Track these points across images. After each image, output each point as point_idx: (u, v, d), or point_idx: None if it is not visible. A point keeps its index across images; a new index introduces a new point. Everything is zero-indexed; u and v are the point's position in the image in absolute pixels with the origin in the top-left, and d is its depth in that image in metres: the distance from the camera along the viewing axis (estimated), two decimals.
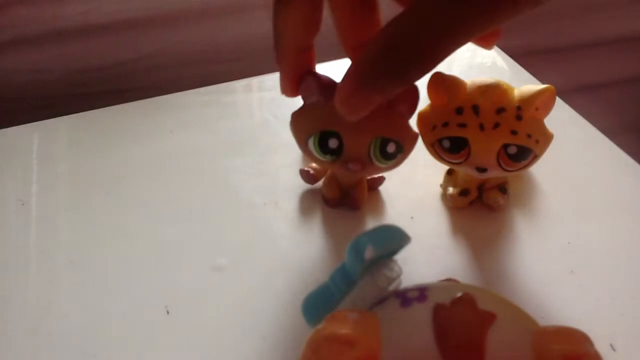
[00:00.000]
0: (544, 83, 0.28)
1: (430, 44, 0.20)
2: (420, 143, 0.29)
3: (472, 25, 0.19)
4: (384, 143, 0.26)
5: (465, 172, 0.29)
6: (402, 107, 0.27)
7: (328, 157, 0.27)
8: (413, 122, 0.28)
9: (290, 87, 0.27)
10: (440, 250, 0.29)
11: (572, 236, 0.29)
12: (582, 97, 0.42)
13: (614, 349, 0.24)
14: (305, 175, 0.32)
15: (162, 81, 0.48)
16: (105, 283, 0.27)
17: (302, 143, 0.27)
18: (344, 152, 0.26)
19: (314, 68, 0.27)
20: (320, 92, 0.26)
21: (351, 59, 0.26)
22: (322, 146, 0.27)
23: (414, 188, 0.32)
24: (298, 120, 0.28)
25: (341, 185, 0.31)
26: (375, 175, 0.31)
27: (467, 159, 0.27)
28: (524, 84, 0.28)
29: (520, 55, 0.44)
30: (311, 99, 0.27)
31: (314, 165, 0.32)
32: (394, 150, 0.27)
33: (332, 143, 0.26)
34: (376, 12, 0.25)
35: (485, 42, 0.26)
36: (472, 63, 0.43)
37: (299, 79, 0.26)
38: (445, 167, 0.31)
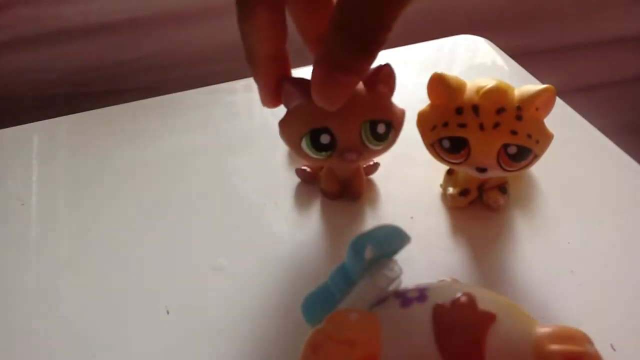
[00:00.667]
0: (544, 83, 0.28)
1: (380, 9, 0.20)
2: (419, 143, 0.29)
3: None
4: (373, 125, 0.27)
5: (465, 172, 0.29)
6: (381, 87, 0.27)
7: (324, 154, 0.27)
8: (411, 120, 0.28)
9: (269, 98, 0.27)
10: (440, 250, 0.29)
11: (572, 236, 0.29)
12: (582, 97, 0.42)
13: (614, 349, 0.24)
14: (301, 173, 0.32)
15: (162, 81, 0.48)
16: (105, 283, 0.27)
17: (295, 147, 0.28)
18: (337, 144, 0.27)
19: (290, 75, 0.27)
20: (300, 94, 0.26)
21: (312, 52, 0.26)
22: (315, 144, 0.27)
23: (414, 188, 0.32)
24: (286, 127, 0.28)
25: (340, 177, 0.31)
26: (370, 162, 0.32)
27: (467, 159, 0.27)
28: (524, 84, 0.28)
29: (520, 55, 0.44)
30: (293, 103, 0.27)
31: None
32: (384, 130, 0.27)
33: (324, 139, 0.27)
34: (330, 3, 0.25)
35: None
36: (472, 63, 0.43)
37: (276, 88, 0.27)
38: (445, 167, 0.31)
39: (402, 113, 0.28)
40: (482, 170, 0.27)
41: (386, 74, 0.27)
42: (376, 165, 0.32)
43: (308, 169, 0.32)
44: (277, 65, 0.26)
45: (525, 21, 0.56)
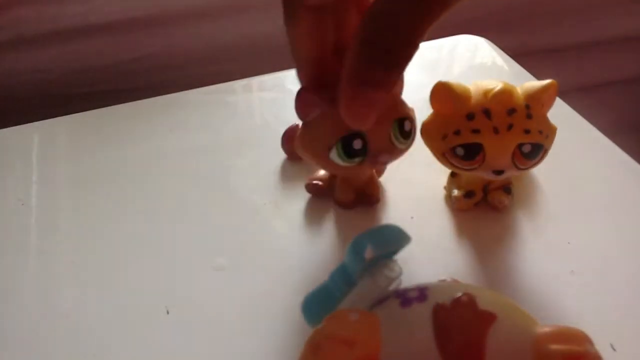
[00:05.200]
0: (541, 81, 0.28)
1: (410, 23, 0.20)
2: (419, 143, 0.29)
3: None
4: (401, 124, 0.26)
5: (478, 175, 0.29)
6: (396, 88, 0.27)
7: (356, 160, 0.26)
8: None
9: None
10: (441, 250, 0.29)
11: (572, 236, 0.29)
12: (582, 97, 0.42)
13: (614, 349, 0.24)
14: (312, 188, 0.31)
15: (162, 81, 0.48)
16: (105, 283, 0.27)
17: (322, 158, 0.26)
18: (369, 148, 0.26)
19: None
20: (324, 103, 0.25)
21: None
22: (347, 151, 0.26)
23: (414, 188, 0.32)
24: (309, 139, 0.27)
25: (354, 186, 0.30)
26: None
27: (482, 163, 0.27)
28: (523, 83, 0.28)
29: (520, 55, 0.44)
30: (314, 112, 0.26)
31: (319, 175, 0.31)
32: (410, 127, 0.27)
33: (357, 144, 0.26)
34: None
35: None
36: (472, 63, 0.43)
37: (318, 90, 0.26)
38: (446, 167, 0.31)
39: (412, 109, 0.28)
40: (499, 172, 0.27)
41: None
42: (383, 169, 0.32)
43: (320, 183, 0.31)
44: (318, 71, 0.26)
45: (525, 21, 0.56)
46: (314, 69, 0.26)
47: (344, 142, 0.25)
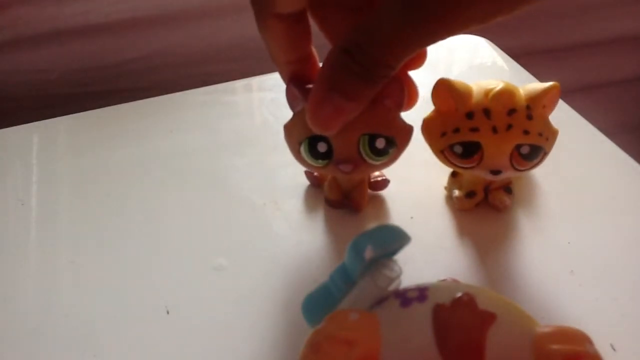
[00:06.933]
0: (544, 83, 0.28)
1: (387, 47, 0.20)
2: (420, 143, 0.29)
3: (427, 31, 0.20)
4: (372, 139, 0.26)
5: (478, 175, 0.29)
6: (387, 102, 0.26)
7: (320, 162, 0.27)
8: (412, 120, 0.28)
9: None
10: (440, 250, 0.29)
11: (572, 236, 0.29)
12: (582, 97, 0.42)
13: (614, 349, 0.24)
14: (309, 176, 0.32)
15: (162, 81, 0.48)
16: (105, 283, 0.27)
17: (295, 152, 0.27)
18: (334, 154, 0.26)
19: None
20: (304, 98, 0.26)
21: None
22: (312, 152, 0.26)
23: (413, 188, 0.32)
24: (289, 130, 0.27)
25: (342, 187, 0.30)
26: (379, 178, 0.31)
27: (479, 162, 0.27)
28: (524, 84, 0.28)
29: (520, 55, 0.44)
30: (298, 106, 0.27)
31: None
32: (384, 145, 0.26)
33: (321, 147, 0.26)
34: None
35: (413, 64, 0.26)
36: (472, 63, 0.43)
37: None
38: (446, 167, 0.31)
39: (409, 130, 0.27)
40: (497, 172, 0.27)
41: (395, 89, 0.26)
42: (385, 181, 0.31)
43: (315, 173, 0.32)
44: (300, 69, 0.26)
45: (525, 21, 0.56)
46: (291, 70, 0.26)
47: (310, 142, 0.26)
